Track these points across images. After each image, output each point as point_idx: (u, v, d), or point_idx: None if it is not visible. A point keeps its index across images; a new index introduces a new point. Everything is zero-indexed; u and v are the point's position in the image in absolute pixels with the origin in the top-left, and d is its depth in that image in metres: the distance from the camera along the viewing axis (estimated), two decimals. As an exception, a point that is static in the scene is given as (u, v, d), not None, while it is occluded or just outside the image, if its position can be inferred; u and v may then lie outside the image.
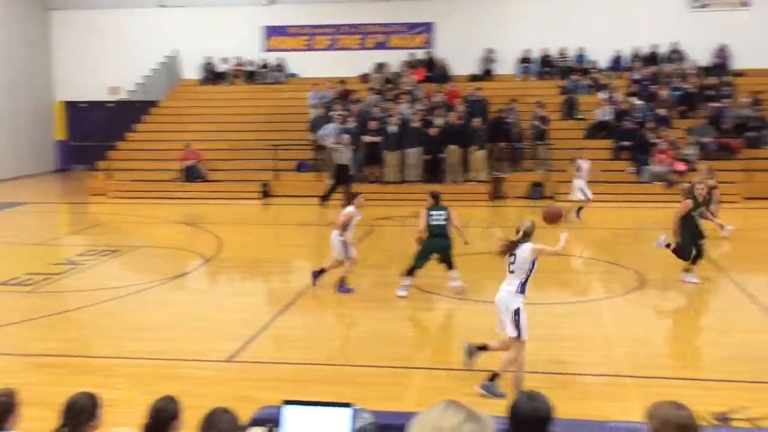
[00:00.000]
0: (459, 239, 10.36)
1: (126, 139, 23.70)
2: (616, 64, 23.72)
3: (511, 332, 6.80)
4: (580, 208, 15.84)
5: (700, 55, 22.99)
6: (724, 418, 6.21)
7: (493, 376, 6.85)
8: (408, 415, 2.47)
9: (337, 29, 25.68)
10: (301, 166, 21.21)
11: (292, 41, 25.97)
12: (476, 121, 19.92)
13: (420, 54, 24.75)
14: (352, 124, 20.35)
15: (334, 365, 7.87)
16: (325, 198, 18.52)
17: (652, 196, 18.56)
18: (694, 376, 7.36)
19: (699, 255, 10.78)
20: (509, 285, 6.90)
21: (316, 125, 20.89)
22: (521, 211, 17.55)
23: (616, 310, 9.81)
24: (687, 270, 10.77)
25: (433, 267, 10.46)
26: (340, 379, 7.42)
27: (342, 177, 18.61)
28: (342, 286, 10.56)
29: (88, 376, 7.31)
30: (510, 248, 6.85)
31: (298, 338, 8.84)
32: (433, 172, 19.72)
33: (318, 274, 10.72)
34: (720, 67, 22.78)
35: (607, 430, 4.71)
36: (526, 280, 6.86)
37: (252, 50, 25.77)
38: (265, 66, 25.69)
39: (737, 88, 21.62)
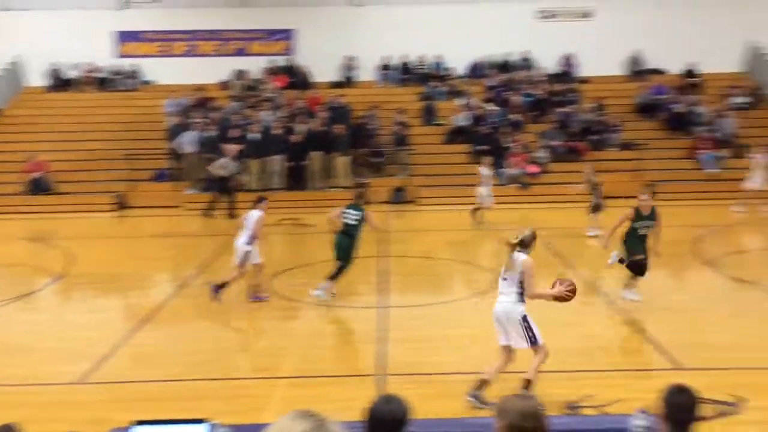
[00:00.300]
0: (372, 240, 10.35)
1: (-35, 151, 22.04)
2: (472, 72, 24.55)
3: (524, 345, 6.60)
4: (476, 209, 16.32)
5: (548, 63, 24.19)
6: (574, 407, 6.53)
7: (527, 384, 6.57)
8: (266, 427, 2.42)
9: (195, 35, 25.06)
10: (160, 176, 20.52)
11: (146, 47, 25.08)
12: (338, 128, 20.03)
13: (281, 61, 24.59)
14: (211, 132, 19.90)
15: (194, 380, 7.63)
16: (208, 210, 18.00)
17: (508, 197, 19.31)
18: (546, 369, 7.67)
19: (639, 272, 9.99)
20: (506, 296, 6.70)
21: (173, 133, 20.28)
22: (385, 216, 17.79)
23: (473, 309, 10.09)
24: (628, 286, 10.08)
25: (296, 275, 10.39)
26: (200, 394, 7.20)
27: (223, 188, 18.17)
28: (256, 295, 10.32)
29: None
30: (510, 248, 6.70)
31: (155, 354, 8.51)
32: (296, 179, 19.63)
33: (219, 288, 10.26)
34: (566, 74, 24.08)
35: (464, 426, 4.81)
36: (522, 289, 6.65)
37: (103, 56, 24.66)
38: (118, 72, 24.65)
39: (582, 95, 22.92)
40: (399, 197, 19.64)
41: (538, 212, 17.98)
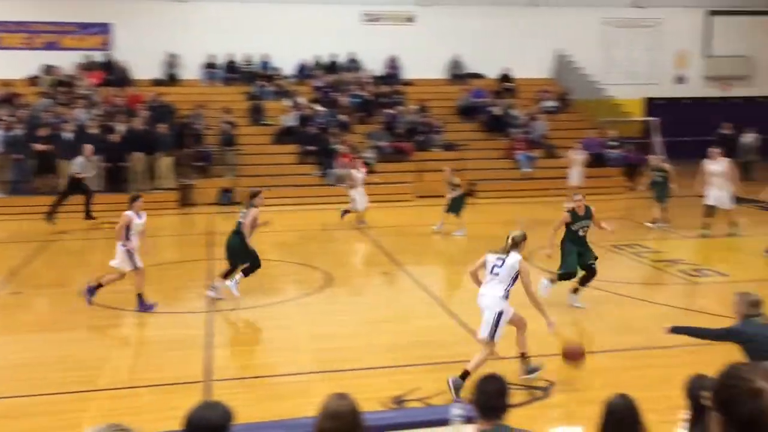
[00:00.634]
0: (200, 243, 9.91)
1: None
2: (300, 72, 24.53)
3: (484, 333, 6.88)
4: (346, 211, 16.20)
5: (374, 65, 24.67)
6: (400, 401, 6.67)
7: (466, 374, 6.73)
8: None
9: (0, 26, 23.18)
10: (-40, 179, 18.76)
11: (-58, 37, 22.88)
12: (161, 127, 19.28)
13: (97, 56, 23.30)
14: (18, 130, 18.49)
15: (3, 398, 7.04)
16: (51, 213, 16.43)
17: (336, 198, 19.48)
18: (375, 365, 7.81)
19: (589, 275, 9.81)
20: (494, 290, 6.96)
21: (-25, 132, 18.62)
22: (212, 218, 17.36)
23: (304, 309, 10.07)
24: (575, 291, 9.86)
25: (118, 281, 9.87)
26: (11, 412, 6.66)
27: (75, 188, 16.76)
28: (142, 304, 9.67)
29: None
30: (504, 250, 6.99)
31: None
32: (116, 180, 18.67)
33: (94, 289, 9.74)
34: (392, 76, 24.68)
35: (287, 428, 4.77)
36: (511, 287, 6.95)
37: None
38: None
39: (407, 97, 23.59)
40: (226, 198, 19.23)
41: (366, 211, 18.26)
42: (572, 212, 9.73)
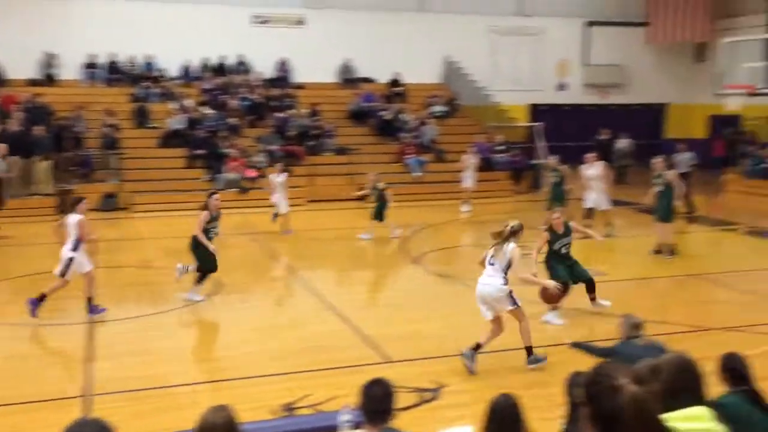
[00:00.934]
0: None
1: None
2: (187, 74, 23.95)
3: (510, 306, 7.49)
4: (276, 215, 15.72)
5: (264, 67, 24.40)
6: (290, 408, 6.61)
7: (529, 350, 7.54)
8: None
9: None
10: None
11: None
12: (38, 130, 18.36)
13: (-33, 54, 21.94)
14: None
15: None
16: None
17: (227, 202, 19.10)
18: (266, 373, 7.70)
19: (589, 284, 9.72)
20: (492, 278, 7.50)
21: None
22: (94, 225, 16.66)
23: (192, 317, 9.83)
24: (594, 297, 9.70)
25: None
26: None
27: None
28: (94, 308, 9.53)
29: None
30: (499, 238, 7.48)
31: None
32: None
33: (38, 301, 9.42)
34: (282, 80, 24.47)
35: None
36: (506, 273, 7.48)
37: None
38: None
39: (298, 100, 23.47)
40: (109, 204, 18.53)
41: (257, 216, 18.02)
42: (550, 230, 9.49)
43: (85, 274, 9.64)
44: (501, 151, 22.50)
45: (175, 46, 23.40)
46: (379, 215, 15.13)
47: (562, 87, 28.49)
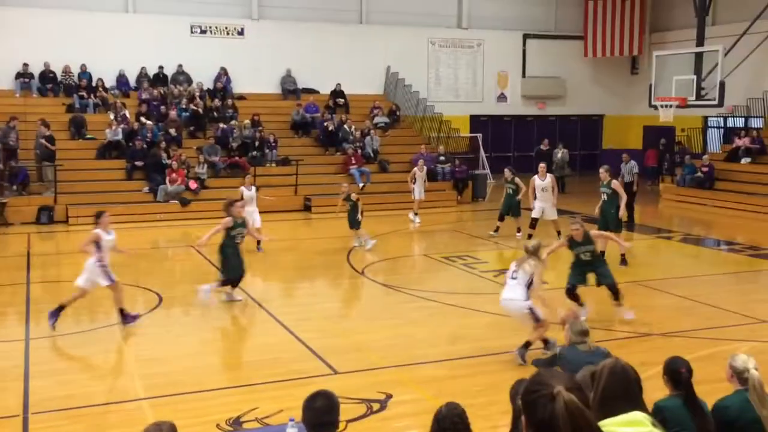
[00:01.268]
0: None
1: None
2: (125, 84, 23.49)
3: (535, 323, 8.05)
4: (257, 243, 14.63)
5: (204, 78, 24.10)
6: (236, 422, 6.51)
7: (527, 344, 8.08)
8: None
9: None
10: None
11: None
12: (-31, 141, 17.76)
13: None
14: None
15: None
16: None
17: (168, 214, 18.84)
18: (211, 387, 7.57)
19: (613, 292, 9.82)
20: (514, 293, 8.12)
21: None
22: (29, 239, 16.19)
23: (132, 332, 9.60)
24: (619, 304, 9.86)
25: None
26: None
27: None
28: (126, 317, 9.58)
29: None
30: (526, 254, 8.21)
31: None
32: None
33: (57, 312, 9.44)
34: (223, 90, 24.20)
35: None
36: (528, 288, 8.06)
37: None
38: None
39: (240, 111, 23.24)
40: (46, 217, 18.00)
41: (198, 229, 17.74)
42: (570, 239, 9.81)
43: (110, 286, 9.68)
44: (443, 162, 22.70)
45: (113, 55, 22.96)
46: (350, 222, 15.17)
47: (502, 98, 28.94)
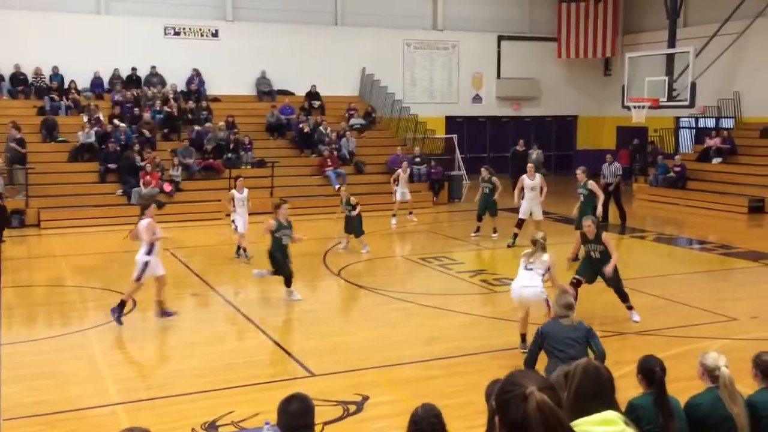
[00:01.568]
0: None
1: None
2: (97, 86, 23.24)
3: (546, 310, 8.13)
4: (243, 249, 14.31)
5: (178, 79, 23.93)
6: (213, 426, 6.48)
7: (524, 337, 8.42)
8: None
9: None
10: None
11: None
12: (-62, 144, 17.48)
13: None
14: None
15: None
16: None
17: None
18: (186, 391, 7.52)
19: (620, 295, 9.95)
20: (532, 282, 8.33)
21: None
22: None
23: (106, 336, 9.50)
24: (629, 307, 9.94)
25: None
26: None
27: None
28: (164, 311, 9.84)
29: None
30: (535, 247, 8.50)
31: None
32: None
33: (120, 309, 9.69)
34: (197, 92, 24.03)
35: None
36: (543, 278, 8.37)
37: None
38: None
39: (214, 113, 23.10)
40: (17, 221, 17.77)
41: (173, 231, 17.62)
42: (582, 236, 10.06)
43: (158, 278, 9.93)
44: (419, 163, 22.74)
45: (85, 57, 22.70)
46: (354, 230, 14.94)
47: (477, 99, 29.06)
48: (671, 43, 22.59)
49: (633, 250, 16.22)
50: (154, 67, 23.76)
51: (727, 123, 25.21)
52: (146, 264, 9.87)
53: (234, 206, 14.32)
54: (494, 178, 16.19)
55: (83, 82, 23.02)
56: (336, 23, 26.44)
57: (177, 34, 24.34)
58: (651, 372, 4.62)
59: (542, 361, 6.36)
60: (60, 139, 20.68)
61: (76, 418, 6.87)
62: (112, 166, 19.73)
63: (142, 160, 19.82)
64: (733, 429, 4.45)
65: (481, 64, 28.70)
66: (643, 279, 12.50)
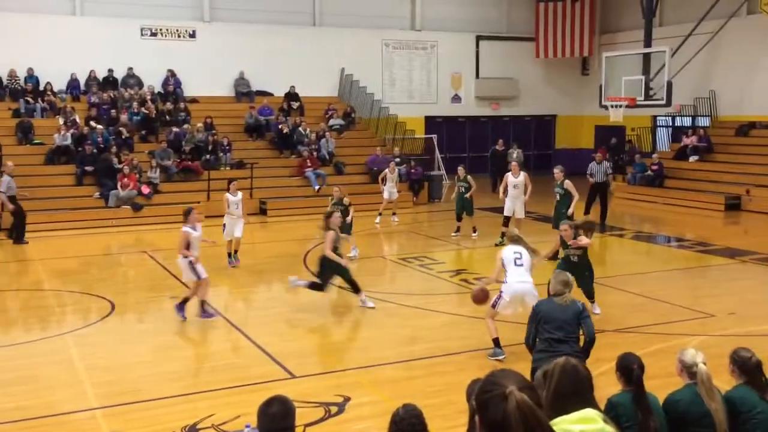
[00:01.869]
0: None
1: None
2: (73, 88, 23.01)
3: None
4: (235, 251, 14.06)
5: (155, 81, 23.75)
6: (193, 430, 6.43)
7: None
8: None
9: None
10: None
11: None
12: None
13: None
14: None
15: None
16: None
17: (120, 220, 18.54)
18: (166, 395, 7.47)
19: (589, 297, 10.09)
20: (527, 276, 8.35)
21: None
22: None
23: (84, 341, 9.41)
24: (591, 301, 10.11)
25: None
26: None
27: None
28: (204, 312, 10.03)
29: None
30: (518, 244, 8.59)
31: None
32: None
33: (182, 305, 10.04)
34: (174, 93, 23.87)
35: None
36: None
37: None
38: None
39: (192, 114, 22.96)
40: (-7, 225, 17.54)
41: (152, 234, 17.57)
42: (561, 240, 10.06)
43: (201, 281, 10.13)
44: (399, 164, 22.73)
45: (61, 59, 22.46)
46: (346, 229, 14.79)
47: (456, 99, 29.13)
48: (647, 42, 22.79)
49: (611, 248, 16.34)
50: (131, 69, 23.58)
51: (703, 121, 25.48)
52: (191, 263, 10.09)
53: (228, 209, 13.96)
54: (469, 177, 16.32)
55: (59, 84, 22.79)
56: (314, 24, 26.39)
57: (154, 35, 24.17)
58: (629, 369, 4.64)
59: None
60: (36, 141, 20.45)
61: (53, 424, 6.80)
62: (89, 168, 19.54)
63: (120, 162, 19.66)
64: (712, 425, 4.49)
65: (459, 64, 28.78)
66: (622, 277, 12.60)
